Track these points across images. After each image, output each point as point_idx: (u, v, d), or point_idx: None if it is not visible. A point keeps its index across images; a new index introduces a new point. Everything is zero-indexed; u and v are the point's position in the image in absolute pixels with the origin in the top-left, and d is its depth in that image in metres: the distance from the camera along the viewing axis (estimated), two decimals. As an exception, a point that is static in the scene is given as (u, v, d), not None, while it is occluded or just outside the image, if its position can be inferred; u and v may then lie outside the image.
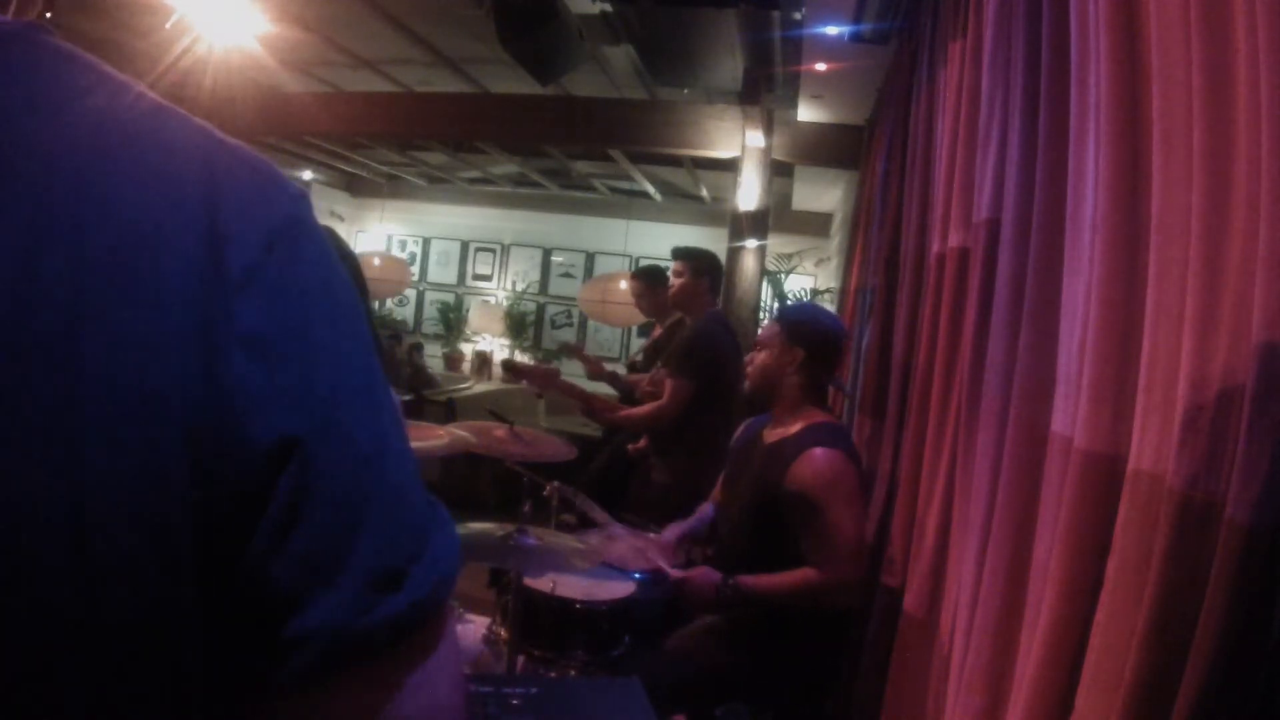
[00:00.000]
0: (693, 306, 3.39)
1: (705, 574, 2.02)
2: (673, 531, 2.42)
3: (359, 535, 0.43)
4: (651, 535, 2.54)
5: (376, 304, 8.06)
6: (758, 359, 2.20)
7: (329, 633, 0.42)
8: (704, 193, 7.29)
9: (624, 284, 5.57)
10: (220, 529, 0.40)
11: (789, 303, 2.33)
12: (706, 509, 2.49)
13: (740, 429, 2.44)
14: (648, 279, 4.10)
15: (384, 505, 0.45)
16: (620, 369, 4.73)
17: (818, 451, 1.95)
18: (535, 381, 3.65)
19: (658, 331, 4.10)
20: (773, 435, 2.15)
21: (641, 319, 5.65)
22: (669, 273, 3.54)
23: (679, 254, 3.46)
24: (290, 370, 0.42)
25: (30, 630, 0.36)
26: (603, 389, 3.96)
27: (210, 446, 0.40)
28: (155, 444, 0.39)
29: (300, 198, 0.47)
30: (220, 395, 0.40)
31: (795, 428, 2.07)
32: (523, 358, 7.96)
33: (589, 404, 3.34)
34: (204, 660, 0.41)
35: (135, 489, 0.38)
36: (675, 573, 2.09)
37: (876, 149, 3.62)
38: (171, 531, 0.39)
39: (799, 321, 2.19)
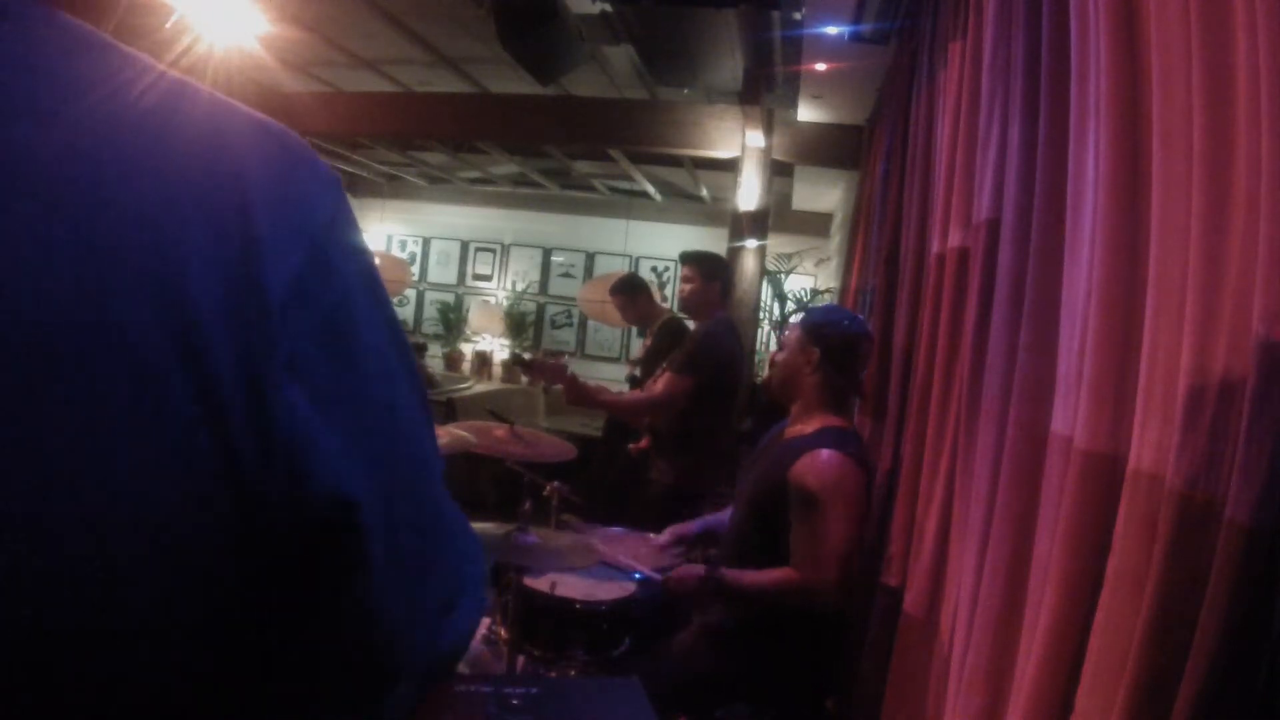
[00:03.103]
0: (702, 311, 3.34)
1: (688, 569, 2.06)
2: (669, 533, 2.42)
3: (427, 576, 0.44)
4: (651, 537, 2.54)
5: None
6: (778, 357, 2.21)
7: (412, 665, 0.43)
8: (704, 193, 7.29)
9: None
10: (280, 568, 0.38)
11: (815, 304, 2.34)
12: (728, 510, 2.49)
13: (770, 431, 2.44)
14: (624, 291, 4.07)
15: (441, 540, 0.45)
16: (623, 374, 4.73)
17: (825, 453, 1.95)
18: (544, 376, 3.62)
19: (649, 340, 4.08)
20: (788, 434, 2.15)
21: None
22: (680, 278, 3.52)
23: (688, 258, 3.39)
24: (348, 410, 0.39)
25: (51, 653, 0.33)
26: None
27: (264, 485, 0.36)
28: (194, 480, 0.35)
29: (336, 183, 0.42)
30: (272, 432, 0.36)
31: (811, 428, 2.08)
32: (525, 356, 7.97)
33: (578, 390, 3.25)
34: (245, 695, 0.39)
35: (166, 521, 0.35)
36: (659, 576, 2.12)
37: (876, 149, 3.62)
38: (216, 568, 0.36)
39: (818, 321, 2.18)
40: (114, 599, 0.34)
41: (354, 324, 0.40)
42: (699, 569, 2.01)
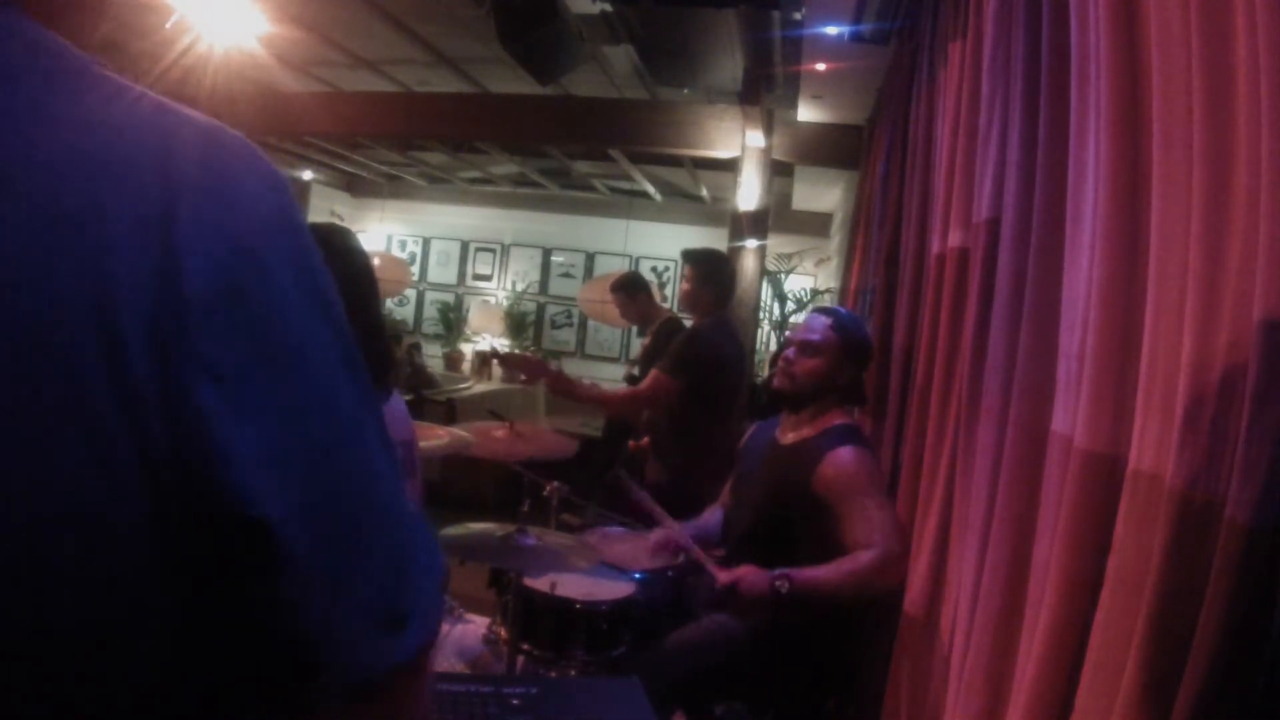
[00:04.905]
0: (698, 310, 3.39)
1: (756, 573, 1.89)
2: (657, 537, 2.35)
3: (359, 591, 0.41)
4: (651, 536, 2.54)
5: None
6: (807, 364, 2.11)
7: (351, 681, 0.41)
8: (704, 193, 7.28)
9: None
10: (200, 573, 0.37)
11: (839, 309, 2.30)
12: (715, 514, 2.47)
13: (749, 432, 2.43)
14: (625, 289, 4.09)
15: (380, 554, 0.43)
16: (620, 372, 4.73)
17: (844, 450, 1.97)
18: (524, 371, 3.63)
19: (648, 339, 4.09)
20: (790, 437, 2.14)
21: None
22: (682, 275, 3.54)
23: (688, 258, 3.42)
24: (272, 417, 0.38)
25: None
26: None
27: (180, 491, 0.36)
28: (113, 481, 0.35)
29: (277, 186, 0.42)
30: (187, 438, 0.36)
31: (816, 429, 2.08)
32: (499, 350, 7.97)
33: (562, 383, 3.23)
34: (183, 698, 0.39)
35: (91, 532, 0.35)
36: (724, 574, 1.94)
37: (876, 149, 3.62)
38: (136, 569, 0.36)
39: (857, 336, 2.16)
40: (35, 598, 0.34)
41: (287, 330, 0.40)
42: (765, 572, 1.87)
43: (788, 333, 2.51)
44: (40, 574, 0.34)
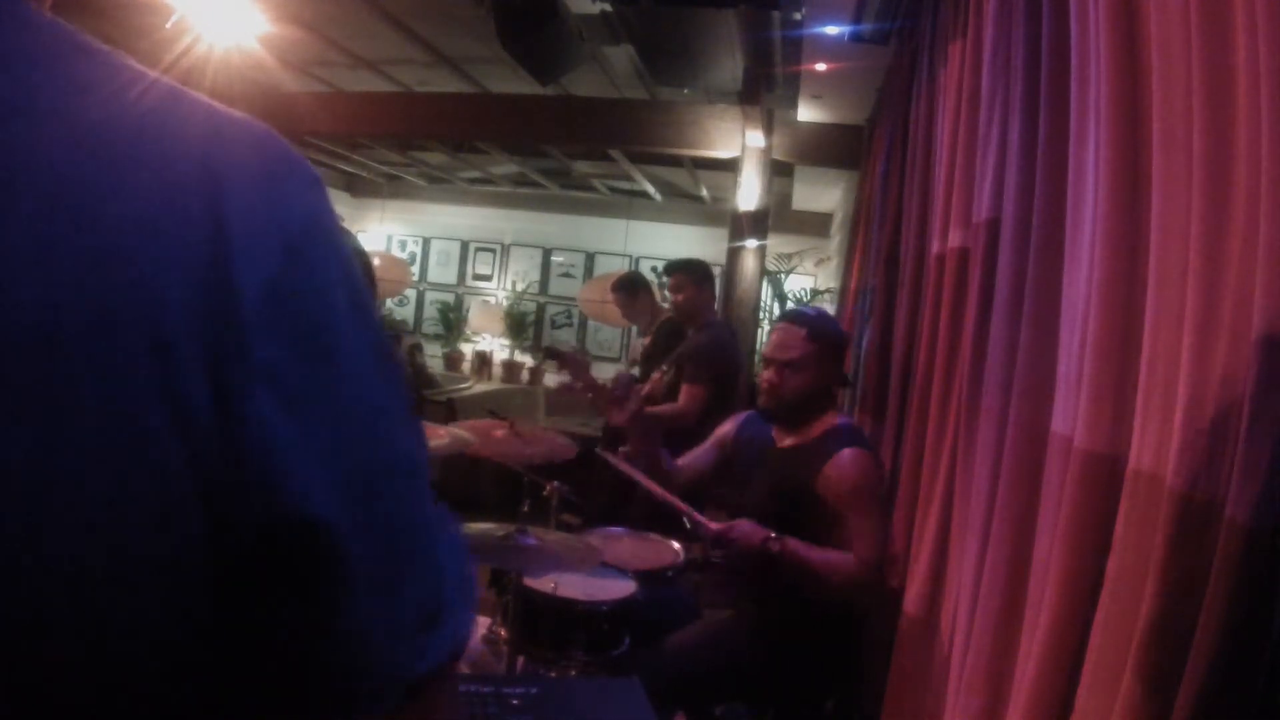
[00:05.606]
0: (697, 316, 3.45)
1: (752, 526, 1.92)
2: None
3: (402, 591, 0.42)
4: (652, 536, 2.54)
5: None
6: (794, 382, 2.05)
7: (393, 684, 0.41)
8: (704, 193, 7.28)
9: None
10: (248, 580, 0.38)
11: (802, 308, 2.25)
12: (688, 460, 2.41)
13: (740, 420, 2.36)
14: (627, 289, 4.11)
15: (420, 553, 0.43)
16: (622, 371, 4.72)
17: (850, 454, 1.94)
18: (570, 369, 3.65)
19: (648, 339, 4.10)
20: (789, 440, 2.12)
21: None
22: (667, 287, 3.57)
23: (675, 268, 3.49)
24: (323, 419, 0.38)
25: (35, 663, 0.34)
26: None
27: (233, 495, 0.36)
28: (160, 487, 0.34)
29: (316, 183, 0.42)
30: (242, 441, 0.36)
31: (818, 430, 2.06)
32: (522, 358, 7.97)
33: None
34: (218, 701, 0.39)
35: (136, 537, 0.34)
36: (716, 525, 1.95)
37: (876, 149, 3.62)
38: (182, 577, 0.36)
39: (832, 334, 2.12)
40: (78, 607, 0.34)
41: (333, 328, 0.40)
42: (761, 530, 1.89)
43: (762, 349, 2.44)
44: (89, 584, 0.34)
